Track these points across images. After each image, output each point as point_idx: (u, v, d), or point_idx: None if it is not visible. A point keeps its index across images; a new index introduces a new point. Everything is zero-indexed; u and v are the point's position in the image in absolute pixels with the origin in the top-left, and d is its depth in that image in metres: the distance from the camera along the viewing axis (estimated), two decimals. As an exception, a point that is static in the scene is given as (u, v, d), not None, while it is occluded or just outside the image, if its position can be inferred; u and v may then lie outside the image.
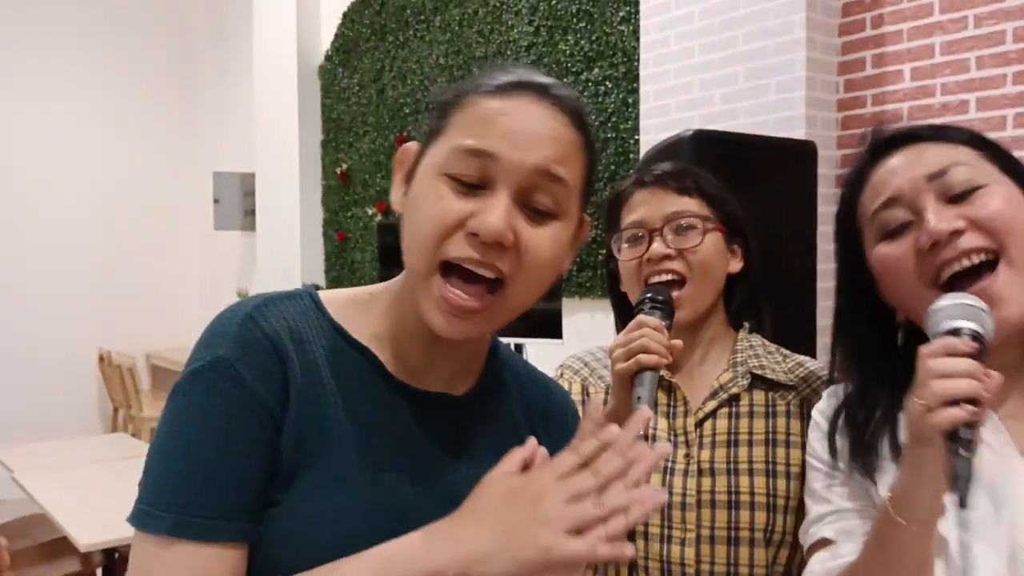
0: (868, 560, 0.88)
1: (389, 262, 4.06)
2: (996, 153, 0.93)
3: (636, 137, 2.99)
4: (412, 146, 0.82)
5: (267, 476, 0.73)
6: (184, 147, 6.61)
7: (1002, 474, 0.87)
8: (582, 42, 3.31)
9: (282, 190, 5.28)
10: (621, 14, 3.16)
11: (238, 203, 5.83)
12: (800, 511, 1.12)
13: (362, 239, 4.84)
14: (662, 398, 1.23)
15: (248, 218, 5.80)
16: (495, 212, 0.72)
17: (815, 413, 1.06)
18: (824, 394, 1.06)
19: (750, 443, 1.18)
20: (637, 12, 3.02)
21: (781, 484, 1.15)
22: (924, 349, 0.80)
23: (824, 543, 0.98)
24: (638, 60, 2.98)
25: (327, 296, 0.84)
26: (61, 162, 6.04)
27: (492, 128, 0.74)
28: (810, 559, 0.99)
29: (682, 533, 1.16)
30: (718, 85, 2.65)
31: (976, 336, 0.80)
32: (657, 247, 1.20)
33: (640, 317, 1.12)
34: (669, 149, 2.14)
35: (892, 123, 2.41)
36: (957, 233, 0.87)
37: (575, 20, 3.34)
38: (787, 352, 1.28)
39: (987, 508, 0.86)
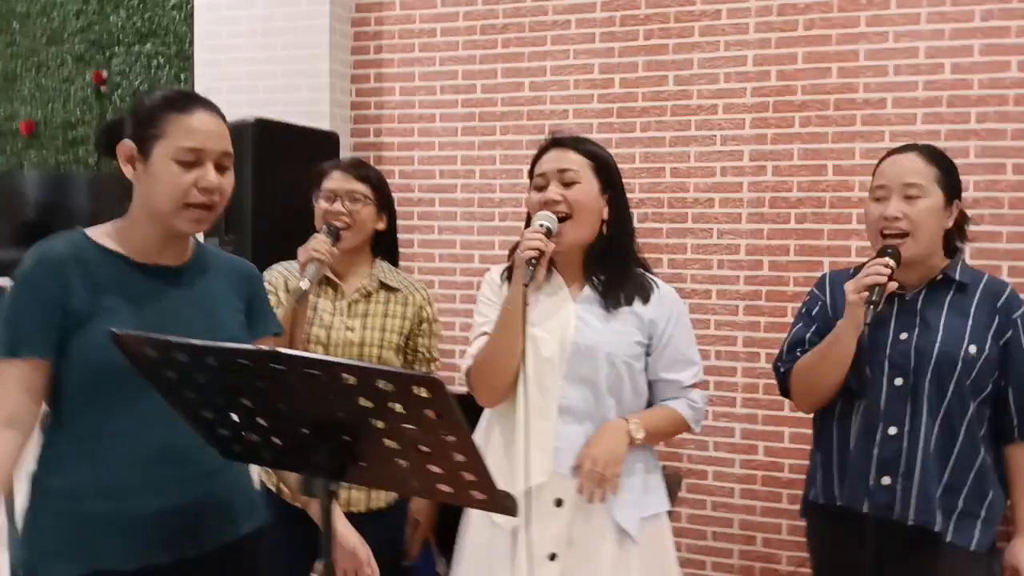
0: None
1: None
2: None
3: (188, 110, 3.53)
4: (129, 143, 1.45)
5: (53, 326, 1.40)
6: None
7: (558, 305, 1.80)
8: (134, 18, 3.70)
9: None
10: (173, 1, 3.65)
11: None
12: (396, 352, 2.12)
13: None
14: (330, 292, 2.12)
15: None
16: (211, 174, 1.45)
17: (487, 275, 1.91)
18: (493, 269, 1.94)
19: (375, 315, 2.13)
20: (189, 1, 3.55)
21: (388, 336, 2.13)
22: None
23: (484, 335, 1.82)
24: (190, 43, 3.53)
25: (90, 231, 1.49)
26: None
27: (196, 133, 1.44)
28: (473, 343, 1.84)
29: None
30: (261, 78, 3.37)
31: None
32: None
33: (317, 237, 2.00)
34: (235, 129, 2.82)
35: (391, 123, 3.41)
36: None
37: (127, -3, 3.72)
38: (400, 271, 2.25)
39: (549, 320, 1.77)
